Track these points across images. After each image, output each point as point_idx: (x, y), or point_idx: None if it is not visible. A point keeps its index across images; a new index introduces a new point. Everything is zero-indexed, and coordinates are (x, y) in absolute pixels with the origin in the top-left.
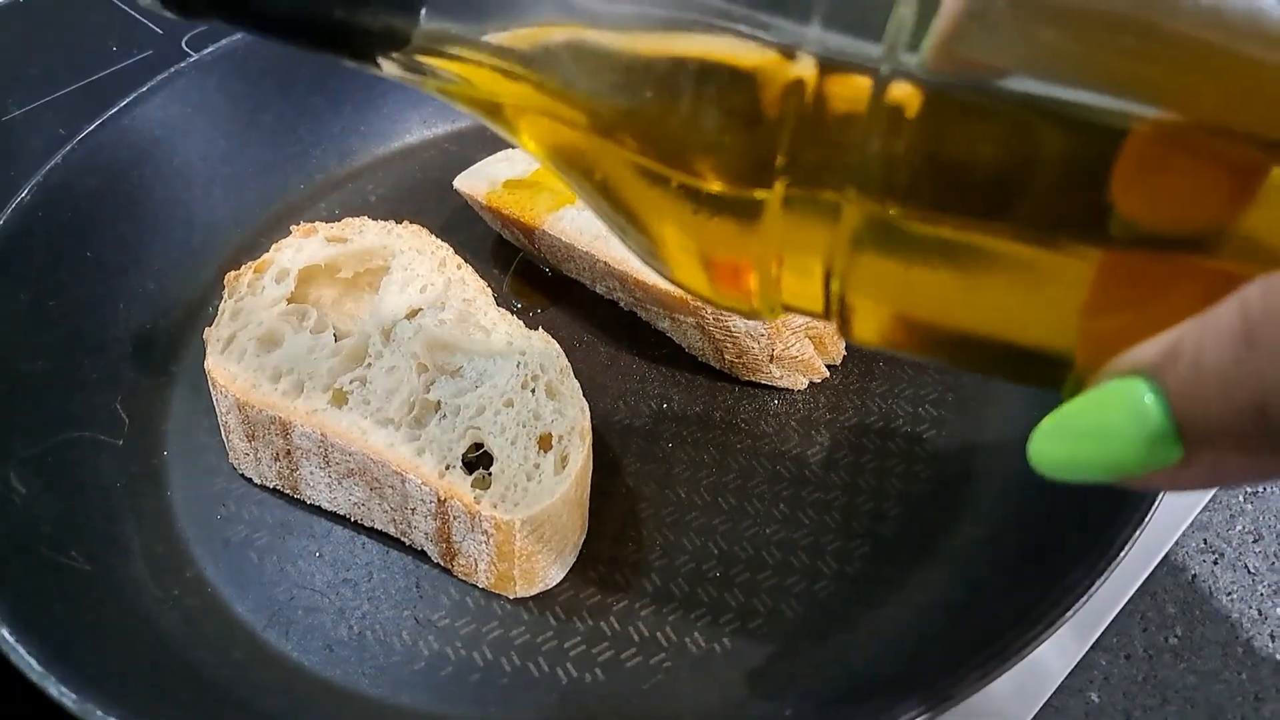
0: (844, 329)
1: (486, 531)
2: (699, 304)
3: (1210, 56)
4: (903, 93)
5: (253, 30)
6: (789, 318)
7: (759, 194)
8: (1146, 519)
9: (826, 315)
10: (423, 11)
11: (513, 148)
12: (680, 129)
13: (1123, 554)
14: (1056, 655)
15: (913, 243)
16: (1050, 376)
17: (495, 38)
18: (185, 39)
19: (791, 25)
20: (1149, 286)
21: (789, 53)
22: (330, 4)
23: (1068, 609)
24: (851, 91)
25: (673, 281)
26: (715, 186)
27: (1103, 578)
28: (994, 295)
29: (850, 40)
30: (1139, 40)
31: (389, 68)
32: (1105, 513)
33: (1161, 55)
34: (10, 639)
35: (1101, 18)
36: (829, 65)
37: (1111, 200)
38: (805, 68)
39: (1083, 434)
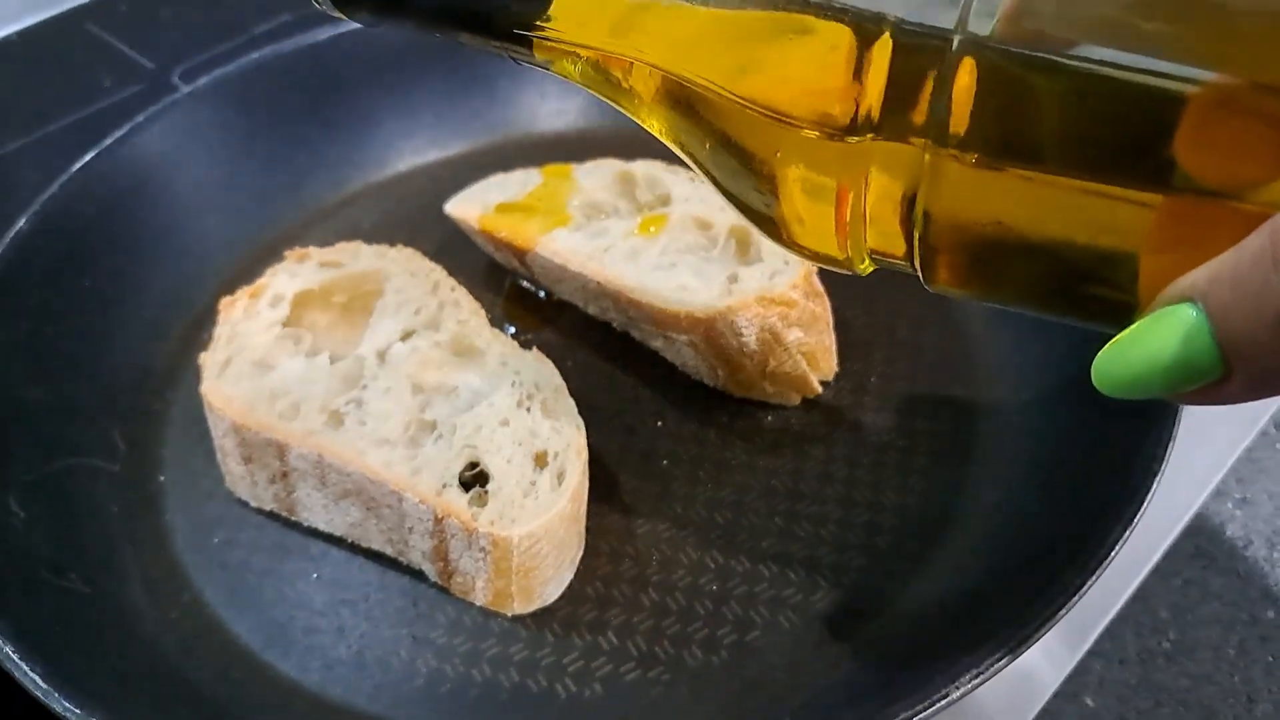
0: (925, 272)
1: (484, 548)
2: (693, 322)
3: (1261, 21)
4: (975, 61)
5: (405, 24)
6: (793, 335)
7: (851, 142)
8: (1136, 519)
9: (910, 260)
10: None
11: (505, 171)
12: (777, 92)
13: (1113, 554)
14: (1050, 662)
15: (987, 190)
16: (1117, 315)
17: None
18: (177, 73)
19: None
20: (1205, 226)
21: (871, 23)
22: None
23: (1061, 607)
24: (927, 59)
25: (771, 231)
26: (812, 136)
27: (1095, 576)
28: (1066, 238)
29: (926, 10)
30: (1197, 7)
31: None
32: (1096, 516)
33: (1217, 21)
34: (14, 656)
35: None
36: (906, 34)
37: (1175, 157)
38: (884, 38)
39: (1139, 355)
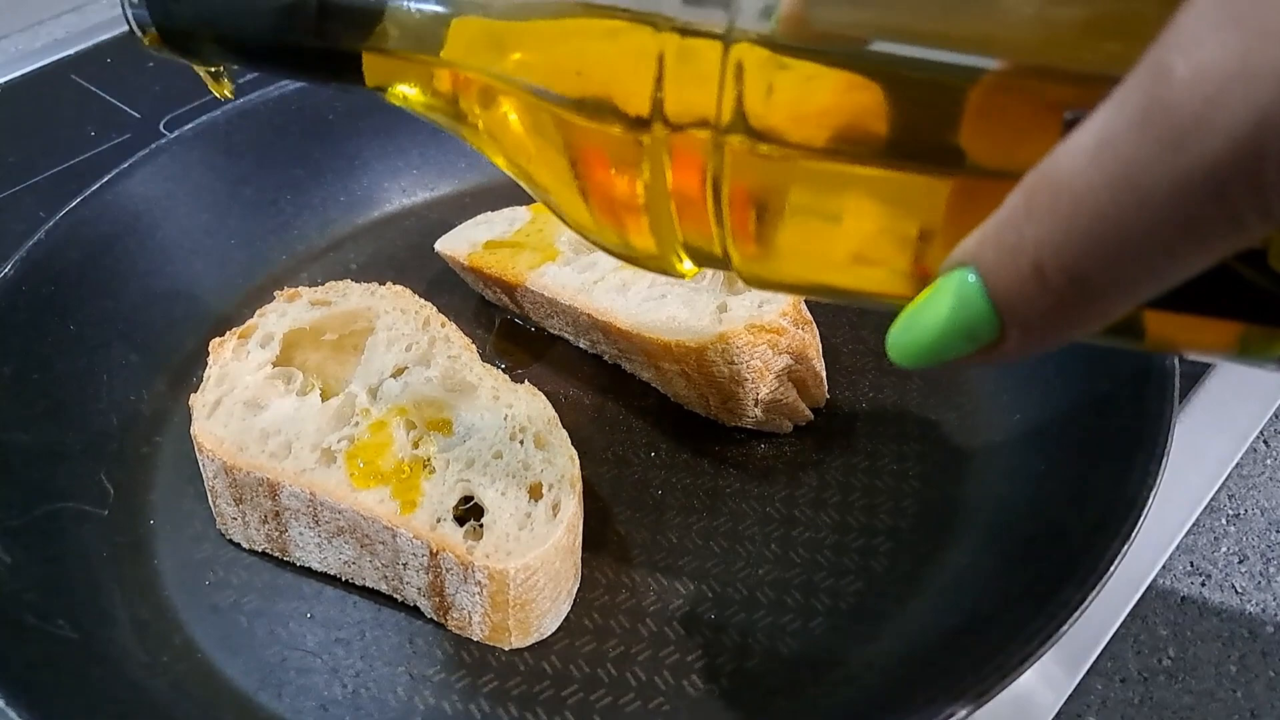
0: (738, 263)
1: (480, 582)
2: (684, 351)
3: (1019, 8)
4: (754, 57)
5: (234, 62)
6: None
7: (644, 139)
8: (1133, 535)
9: (723, 258)
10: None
11: (491, 210)
12: (575, 89)
13: (1111, 570)
14: (1049, 684)
15: (780, 185)
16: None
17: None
18: (163, 122)
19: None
20: (992, 204)
21: (653, 21)
22: (298, 31)
23: (1063, 624)
24: (708, 56)
25: (579, 228)
26: (613, 132)
27: (1094, 592)
28: (863, 225)
29: (705, 10)
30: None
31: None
32: (1092, 533)
33: (988, 13)
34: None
35: None
36: (688, 31)
37: (960, 143)
38: (667, 36)
39: (922, 323)
